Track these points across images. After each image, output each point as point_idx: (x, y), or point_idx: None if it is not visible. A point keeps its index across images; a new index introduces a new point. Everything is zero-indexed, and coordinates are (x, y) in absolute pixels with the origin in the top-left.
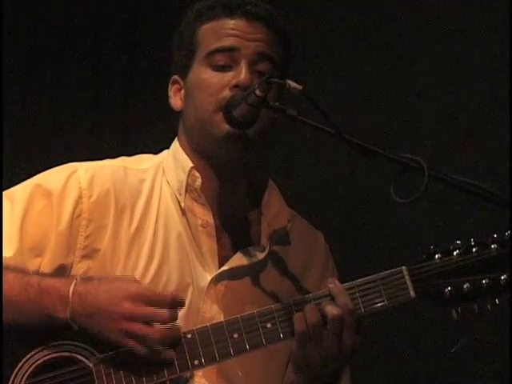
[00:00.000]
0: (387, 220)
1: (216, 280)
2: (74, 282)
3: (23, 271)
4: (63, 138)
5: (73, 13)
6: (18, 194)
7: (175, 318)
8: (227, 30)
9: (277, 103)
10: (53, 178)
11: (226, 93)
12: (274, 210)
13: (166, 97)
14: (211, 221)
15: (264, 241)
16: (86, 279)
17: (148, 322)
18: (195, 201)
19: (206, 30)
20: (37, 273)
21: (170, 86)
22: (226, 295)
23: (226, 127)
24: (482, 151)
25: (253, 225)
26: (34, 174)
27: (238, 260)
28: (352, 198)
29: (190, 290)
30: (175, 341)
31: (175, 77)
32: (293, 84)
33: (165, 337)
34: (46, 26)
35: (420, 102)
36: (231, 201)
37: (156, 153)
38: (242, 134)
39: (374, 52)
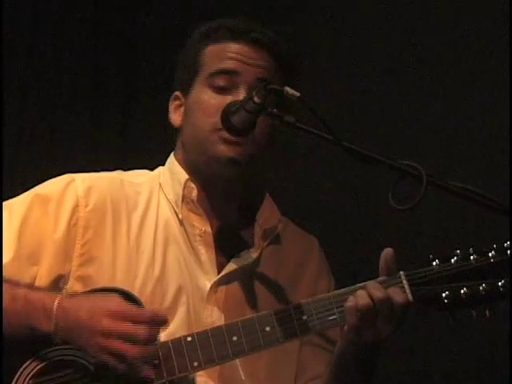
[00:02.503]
0: (385, 226)
1: (215, 286)
2: (60, 296)
3: (14, 282)
4: (61, 152)
5: (72, 28)
6: (16, 204)
7: (154, 337)
8: (230, 53)
9: (274, 110)
10: (50, 187)
11: None
12: (266, 214)
13: (164, 114)
14: (209, 230)
15: (257, 241)
16: (73, 295)
17: (126, 339)
18: (192, 211)
19: (210, 51)
20: (33, 282)
21: (170, 101)
22: (227, 300)
23: (223, 149)
24: (482, 157)
25: (247, 232)
26: (32, 187)
27: (233, 264)
28: (350, 204)
29: (191, 297)
30: (153, 357)
31: (177, 93)
32: (290, 91)
33: (142, 354)
34: (45, 37)
35: (418, 108)
36: (226, 211)
37: (152, 169)
38: (245, 160)
39: (372, 58)
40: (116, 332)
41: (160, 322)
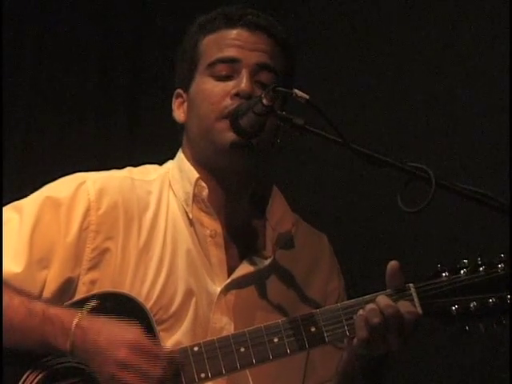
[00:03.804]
0: (394, 229)
1: (225, 290)
2: (79, 315)
3: (29, 295)
4: (69, 149)
5: (79, 30)
6: (27, 206)
7: (168, 377)
8: (229, 41)
9: (283, 112)
10: (61, 189)
11: (227, 102)
12: (279, 215)
13: (171, 109)
14: (219, 230)
15: (269, 246)
16: (92, 316)
17: (141, 374)
18: (202, 211)
19: (208, 41)
20: (43, 286)
21: (173, 99)
22: (237, 304)
23: (230, 136)
24: (482, 157)
25: (258, 232)
26: (41, 186)
27: (245, 268)
28: (359, 207)
29: (199, 300)
30: None
31: (178, 90)
32: (299, 93)
33: None
34: (52, 36)
35: (424, 110)
36: (237, 210)
37: (161, 163)
38: (246, 143)
39: (379, 60)
40: (132, 365)
41: (177, 362)
